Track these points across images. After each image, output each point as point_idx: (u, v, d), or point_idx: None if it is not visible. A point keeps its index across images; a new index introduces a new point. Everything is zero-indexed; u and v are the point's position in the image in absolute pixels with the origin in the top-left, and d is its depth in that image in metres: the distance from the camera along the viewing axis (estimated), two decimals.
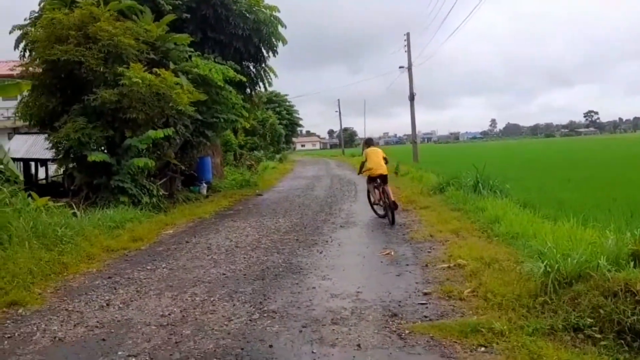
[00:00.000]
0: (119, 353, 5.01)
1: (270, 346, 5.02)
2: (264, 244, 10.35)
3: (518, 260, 7.21)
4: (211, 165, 21.86)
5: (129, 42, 14.10)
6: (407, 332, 5.21)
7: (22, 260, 7.71)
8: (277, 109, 62.65)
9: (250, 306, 6.30)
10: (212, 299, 6.69)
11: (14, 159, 12.91)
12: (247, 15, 19.84)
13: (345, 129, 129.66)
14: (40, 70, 14.52)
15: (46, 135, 15.69)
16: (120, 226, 11.56)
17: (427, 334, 5.11)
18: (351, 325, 5.49)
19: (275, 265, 8.39)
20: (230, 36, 19.85)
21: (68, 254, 8.81)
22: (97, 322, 5.97)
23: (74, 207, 11.92)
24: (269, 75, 22.86)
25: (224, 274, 7.96)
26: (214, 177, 22.30)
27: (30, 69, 14.60)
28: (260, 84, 23.23)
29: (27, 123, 16.31)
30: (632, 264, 5.44)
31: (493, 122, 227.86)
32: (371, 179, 13.11)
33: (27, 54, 16.55)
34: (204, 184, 20.29)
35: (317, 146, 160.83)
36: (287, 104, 68.32)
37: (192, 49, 17.40)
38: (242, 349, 4.99)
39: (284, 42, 21.66)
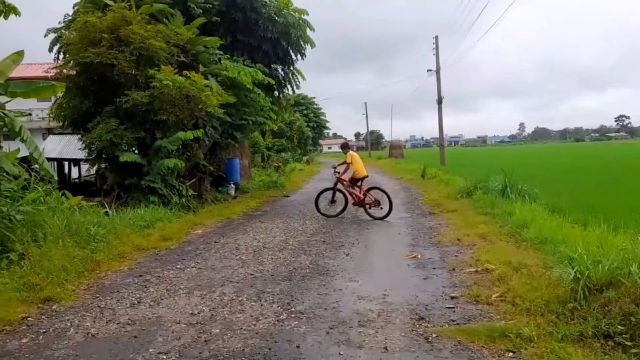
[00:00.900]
0: (150, 350, 5.11)
1: (298, 347, 5.07)
2: (291, 245, 10.42)
3: (547, 265, 7.14)
4: (239, 167, 22.01)
5: (160, 45, 14.29)
6: (434, 335, 5.21)
7: (57, 257, 7.86)
8: (305, 112, 62.85)
9: (278, 306, 6.36)
10: (240, 298, 6.76)
11: (48, 159, 13.17)
12: (276, 18, 19.93)
13: (372, 132, 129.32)
14: (74, 72, 14.78)
15: (79, 135, 16.01)
16: (150, 225, 11.74)
17: (455, 338, 5.11)
18: (378, 327, 5.51)
19: (303, 267, 8.45)
20: (259, 39, 19.97)
21: (100, 252, 8.98)
22: (129, 319, 6.09)
23: (106, 206, 12.11)
24: (297, 78, 22.96)
25: (252, 274, 8.04)
26: (242, 178, 22.47)
27: (64, 71, 14.86)
28: (288, 86, 23.33)
29: (61, 124, 16.61)
30: None
31: (521, 125, 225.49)
32: (355, 181, 13.94)
33: (61, 56, 16.95)
34: (232, 185, 20.45)
35: None
36: (315, 106, 68.44)
37: (221, 52, 17.61)
38: (269, 349, 5.04)
39: (312, 45, 21.73)
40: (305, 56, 22.06)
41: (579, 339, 4.83)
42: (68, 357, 5.05)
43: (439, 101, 36.44)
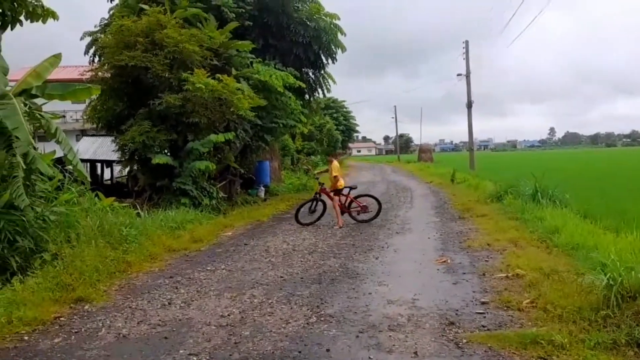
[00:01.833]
0: (181, 352, 5.16)
1: (328, 350, 5.08)
2: (320, 248, 10.44)
3: (579, 271, 7.04)
4: (269, 169, 22.16)
5: (193, 49, 14.49)
6: (464, 341, 5.17)
7: (89, 258, 7.99)
8: (335, 115, 62.97)
9: (308, 309, 6.38)
10: (270, 301, 6.80)
11: (82, 160, 13.40)
12: (308, 23, 20.06)
13: (401, 135, 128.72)
14: (109, 75, 15.09)
15: (112, 137, 16.29)
16: (181, 227, 11.86)
17: (485, 343, 5.06)
18: (408, 332, 5.49)
19: (332, 270, 8.46)
20: (291, 43, 20.12)
21: (132, 253, 9.12)
22: (160, 320, 6.17)
23: (138, 207, 12.30)
24: (328, 82, 23.07)
25: (282, 277, 8.08)
26: (271, 180, 22.61)
27: (100, 73, 15.19)
28: (319, 90, 23.47)
29: (95, 125, 16.92)
30: None
31: (552, 130, 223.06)
32: (338, 191, 13.85)
33: (96, 59, 17.30)
34: (262, 188, 20.58)
35: (373, 152, 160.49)
36: (344, 109, 68.54)
37: (253, 56, 17.76)
38: (299, 352, 5.06)
39: (343, 49, 21.79)
40: (336, 60, 22.19)
41: (612, 347, 4.75)
42: (99, 357, 5.13)
43: (469, 105, 36.09)
